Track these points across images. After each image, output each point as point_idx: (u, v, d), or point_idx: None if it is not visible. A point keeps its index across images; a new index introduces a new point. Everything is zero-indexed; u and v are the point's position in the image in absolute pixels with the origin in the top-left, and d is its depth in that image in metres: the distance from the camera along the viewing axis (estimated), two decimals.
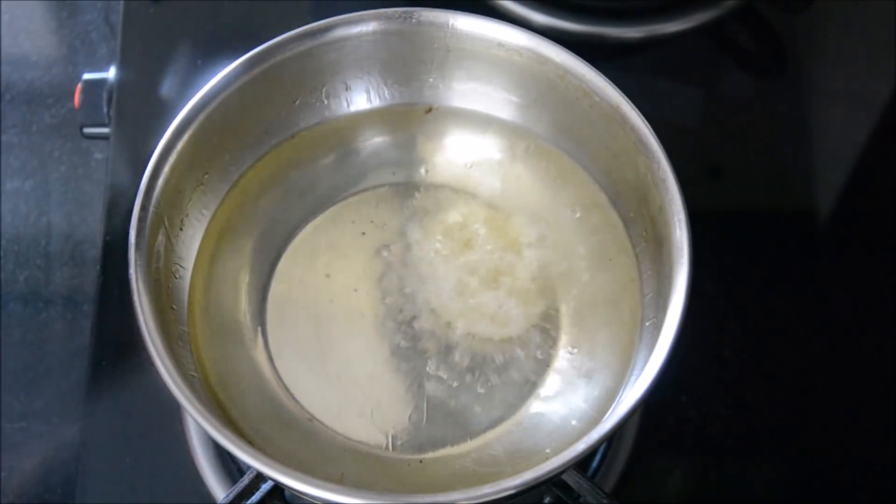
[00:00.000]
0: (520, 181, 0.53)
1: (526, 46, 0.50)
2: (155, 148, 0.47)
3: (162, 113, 0.65)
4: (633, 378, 0.46)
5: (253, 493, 0.47)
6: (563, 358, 0.49)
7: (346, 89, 0.53)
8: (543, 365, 0.49)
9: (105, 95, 0.66)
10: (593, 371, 0.49)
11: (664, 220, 0.46)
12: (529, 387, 0.49)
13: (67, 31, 0.89)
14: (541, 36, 0.50)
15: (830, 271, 0.64)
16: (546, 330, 0.50)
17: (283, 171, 0.53)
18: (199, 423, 0.41)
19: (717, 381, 0.60)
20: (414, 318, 0.50)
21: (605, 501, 0.47)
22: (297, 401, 0.48)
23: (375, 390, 0.48)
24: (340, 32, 0.50)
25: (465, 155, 0.54)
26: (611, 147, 0.50)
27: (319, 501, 0.41)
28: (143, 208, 0.45)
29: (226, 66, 0.49)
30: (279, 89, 0.51)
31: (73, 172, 0.83)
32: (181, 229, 0.49)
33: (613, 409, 0.46)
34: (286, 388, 0.48)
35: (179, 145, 0.47)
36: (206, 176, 0.50)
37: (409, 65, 0.53)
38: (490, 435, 0.48)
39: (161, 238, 0.47)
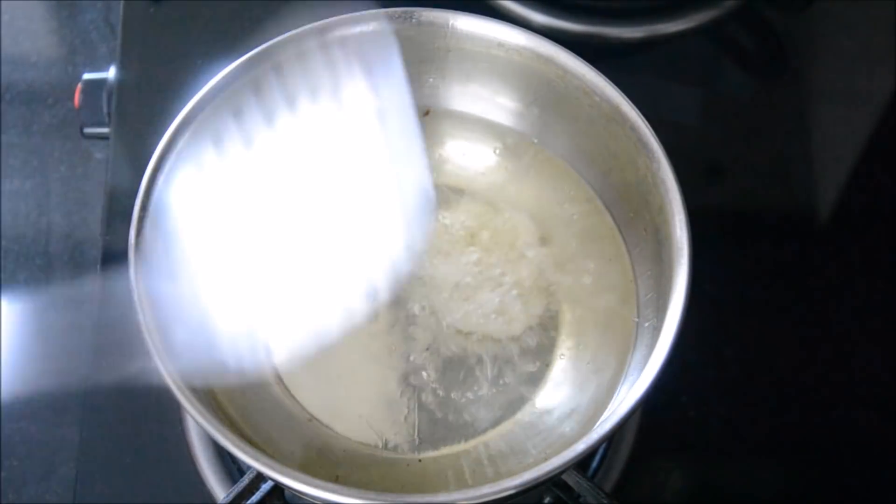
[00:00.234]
0: (519, 182, 0.53)
1: (526, 46, 0.50)
2: (155, 148, 0.47)
3: (162, 113, 0.65)
4: (632, 378, 0.46)
5: (253, 493, 0.47)
6: (562, 358, 0.49)
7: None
8: (543, 365, 0.49)
9: (105, 95, 0.65)
10: (593, 371, 0.49)
11: (664, 220, 0.46)
12: (529, 387, 0.49)
13: (67, 31, 0.89)
14: (541, 36, 0.50)
15: (830, 271, 0.64)
16: (545, 330, 0.50)
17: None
18: (199, 423, 0.41)
19: (717, 381, 0.60)
20: (414, 318, 0.50)
21: (605, 501, 0.47)
22: (296, 400, 0.48)
23: (375, 390, 0.48)
24: (340, 32, 0.50)
25: (464, 156, 0.54)
26: (611, 147, 0.50)
27: (319, 501, 0.41)
28: (143, 208, 0.45)
29: (226, 66, 0.49)
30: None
31: (73, 172, 0.83)
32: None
33: (613, 409, 0.46)
34: (286, 388, 0.48)
35: (179, 145, 0.47)
36: None
37: (409, 65, 0.53)
38: (489, 435, 0.47)
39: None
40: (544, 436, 0.47)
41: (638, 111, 0.48)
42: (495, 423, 0.48)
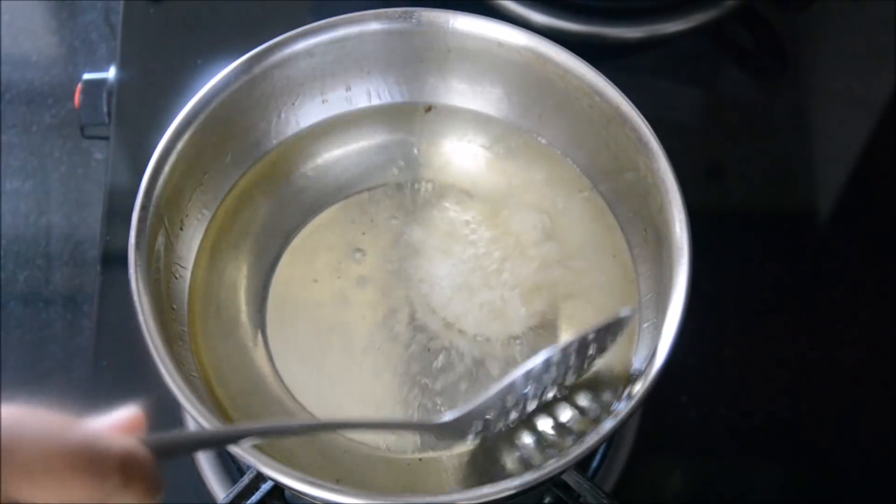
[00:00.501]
0: (519, 181, 0.53)
1: (526, 46, 0.50)
2: (155, 148, 0.47)
3: (162, 113, 0.65)
4: (632, 378, 0.46)
5: (253, 493, 0.47)
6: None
7: (347, 89, 0.53)
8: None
9: (105, 95, 0.66)
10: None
11: (664, 220, 0.46)
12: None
13: (67, 31, 0.89)
14: (541, 36, 0.50)
15: (830, 271, 0.64)
16: (546, 330, 0.50)
17: (283, 171, 0.53)
18: (199, 423, 0.41)
19: (717, 381, 0.60)
20: (414, 317, 0.50)
21: (605, 501, 0.47)
22: (297, 400, 0.48)
23: (375, 390, 0.48)
24: (341, 32, 0.50)
25: (466, 155, 0.54)
26: (611, 147, 0.50)
27: (319, 501, 0.41)
28: (143, 208, 0.45)
29: (226, 66, 0.49)
30: (279, 89, 0.51)
31: (73, 172, 0.83)
32: (181, 229, 0.49)
33: (613, 409, 0.46)
34: (286, 388, 0.48)
35: (179, 145, 0.47)
36: (206, 176, 0.50)
37: (409, 64, 0.53)
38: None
39: (161, 238, 0.47)
40: (545, 436, 0.47)
41: (638, 111, 0.48)
42: None
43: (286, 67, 0.50)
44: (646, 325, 0.48)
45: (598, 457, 0.57)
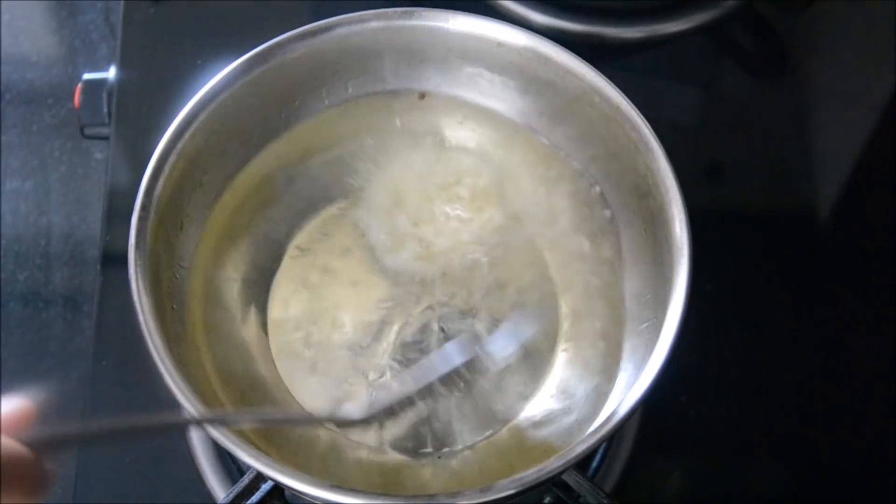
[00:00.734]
0: (518, 181, 0.53)
1: (526, 46, 0.50)
2: (155, 148, 0.47)
3: (162, 113, 0.65)
4: (632, 378, 0.46)
5: (253, 493, 0.48)
6: (561, 358, 0.49)
7: (347, 89, 0.53)
8: (542, 365, 0.49)
9: (105, 95, 0.66)
10: (592, 371, 0.49)
11: (664, 220, 0.46)
12: (528, 387, 0.49)
13: (67, 31, 0.89)
14: (541, 36, 0.50)
15: (830, 271, 0.64)
16: (545, 329, 0.50)
17: (284, 170, 0.53)
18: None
19: (717, 381, 0.60)
20: (414, 316, 0.50)
21: (605, 501, 0.47)
22: (297, 401, 0.48)
23: (376, 390, 0.48)
24: (341, 32, 0.50)
25: (463, 153, 0.54)
26: (611, 147, 0.50)
27: (319, 501, 0.41)
28: (143, 208, 0.45)
29: (226, 66, 0.49)
30: (279, 89, 0.51)
31: (73, 172, 0.83)
32: (181, 229, 0.49)
33: (613, 409, 0.46)
34: (286, 388, 0.48)
35: (179, 145, 0.47)
36: (206, 176, 0.50)
37: (409, 64, 0.53)
38: (489, 435, 0.48)
39: (161, 238, 0.47)
40: (543, 435, 0.47)
41: (638, 111, 0.48)
42: (494, 423, 0.48)
43: (287, 67, 0.50)
44: (645, 325, 0.48)
45: (598, 457, 0.57)
